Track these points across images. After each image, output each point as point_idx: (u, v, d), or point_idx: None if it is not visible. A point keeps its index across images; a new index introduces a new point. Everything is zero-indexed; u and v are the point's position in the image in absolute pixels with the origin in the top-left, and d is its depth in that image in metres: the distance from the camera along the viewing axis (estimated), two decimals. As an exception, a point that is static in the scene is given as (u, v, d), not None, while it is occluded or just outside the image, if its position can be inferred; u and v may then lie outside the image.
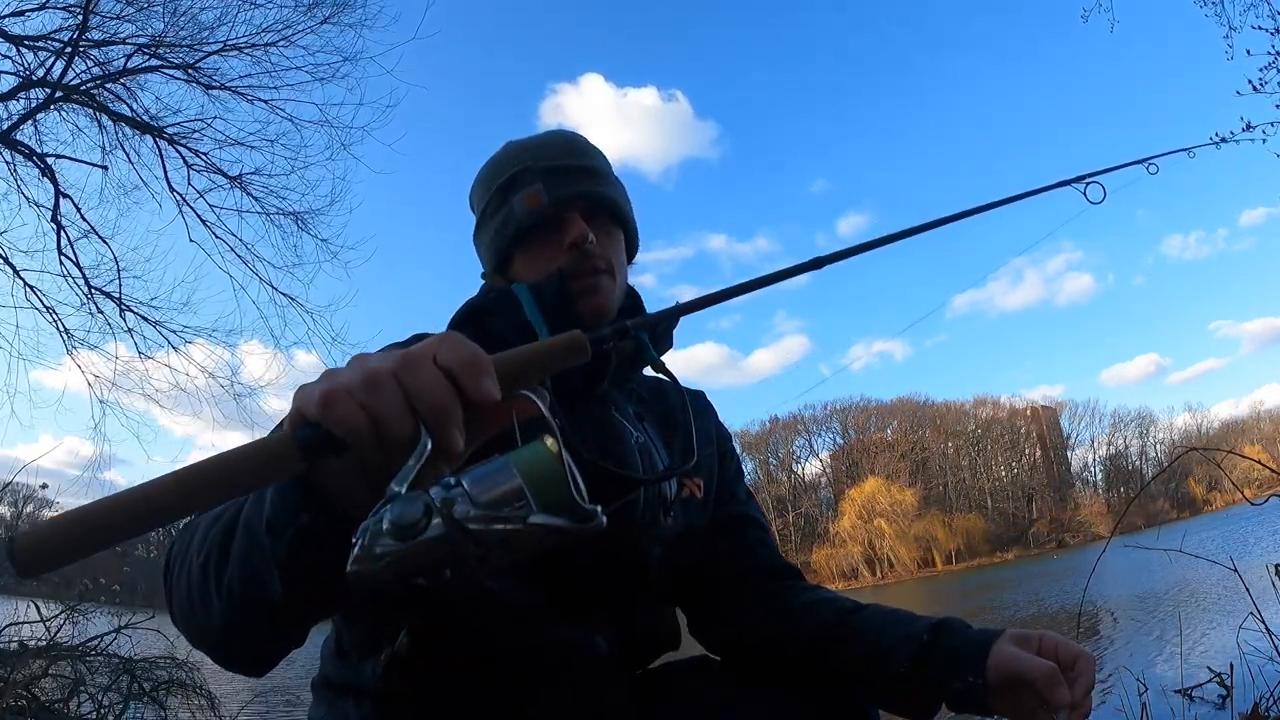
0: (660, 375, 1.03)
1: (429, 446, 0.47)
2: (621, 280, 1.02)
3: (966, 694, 0.83)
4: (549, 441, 0.49)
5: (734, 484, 1.11)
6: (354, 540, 0.43)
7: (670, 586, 1.00)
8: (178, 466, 0.46)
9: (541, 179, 0.98)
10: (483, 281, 1.07)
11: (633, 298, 1.07)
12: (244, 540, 0.59)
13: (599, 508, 0.48)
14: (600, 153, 1.07)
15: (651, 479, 0.93)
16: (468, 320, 1.01)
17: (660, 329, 1.03)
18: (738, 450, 1.21)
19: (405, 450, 0.47)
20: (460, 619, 0.82)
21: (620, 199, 1.03)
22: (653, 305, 1.08)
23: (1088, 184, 0.95)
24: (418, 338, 0.96)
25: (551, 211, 0.97)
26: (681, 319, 1.05)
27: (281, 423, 0.82)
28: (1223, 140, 1.09)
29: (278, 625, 0.61)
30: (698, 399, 1.13)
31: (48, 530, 0.42)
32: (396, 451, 0.47)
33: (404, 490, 0.45)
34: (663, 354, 1.04)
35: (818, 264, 0.72)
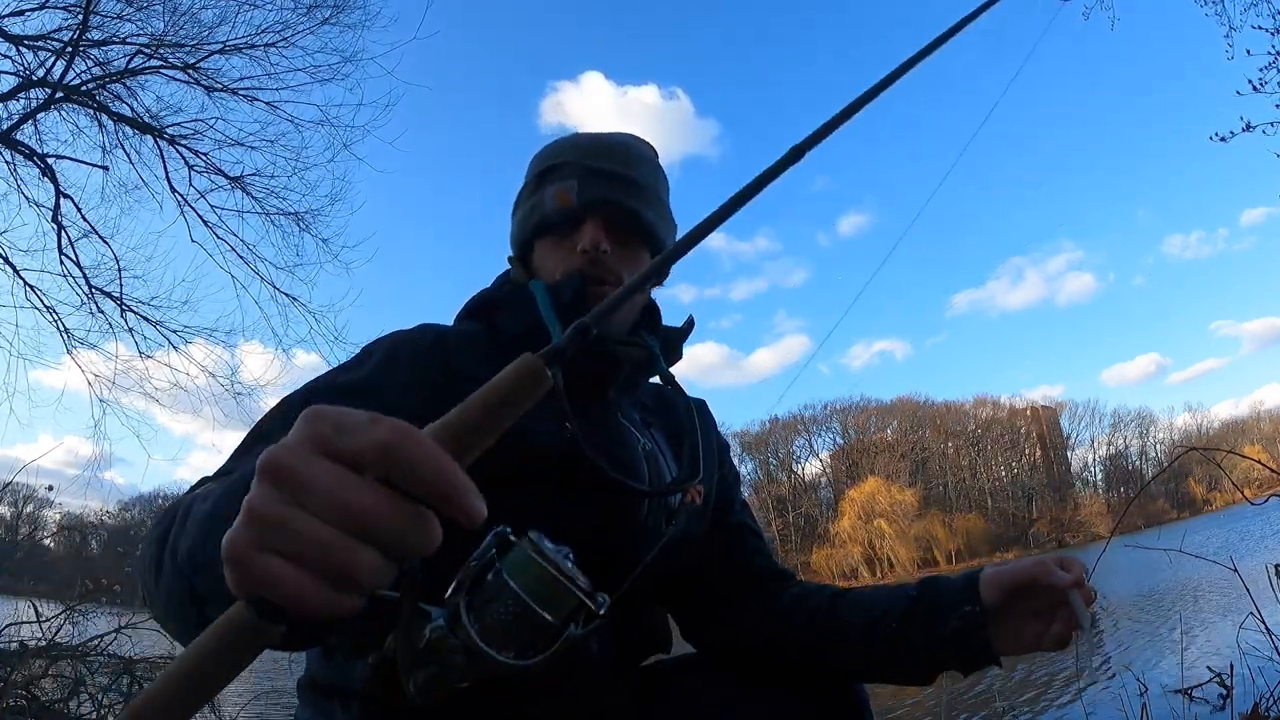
0: (666, 384, 1.03)
1: (418, 576, 0.46)
2: (634, 297, 1.00)
3: (966, 633, 0.82)
4: (527, 543, 0.49)
5: (731, 492, 1.11)
6: (406, 673, 0.49)
7: (660, 589, 1.00)
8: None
9: (578, 177, 0.98)
10: (508, 264, 1.07)
11: (651, 312, 1.06)
12: (172, 566, 0.58)
13: (603, 597, 0.50)
14: (653, 165, 1.06)
15: (658, 491, 0.93)
16: (477, 312, 1.01)
17: (673, 344, 1.04)
18: (738, 451, 1.21)
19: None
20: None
21: (653, 216, 1.01)
22: (665, 316, 1.09)
23: None
24: (424, 329, 0.95)
25: (577, 212, 0.97)
26: (676, 316, 1.07)
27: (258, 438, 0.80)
28: None
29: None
30: (701, 409, 1.13)
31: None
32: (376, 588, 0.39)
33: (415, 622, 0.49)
34: (673, 365, 1.05)
35: (797, 154, 0.66)
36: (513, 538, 0.50)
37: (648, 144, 1.07)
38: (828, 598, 0.97)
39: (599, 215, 0.97)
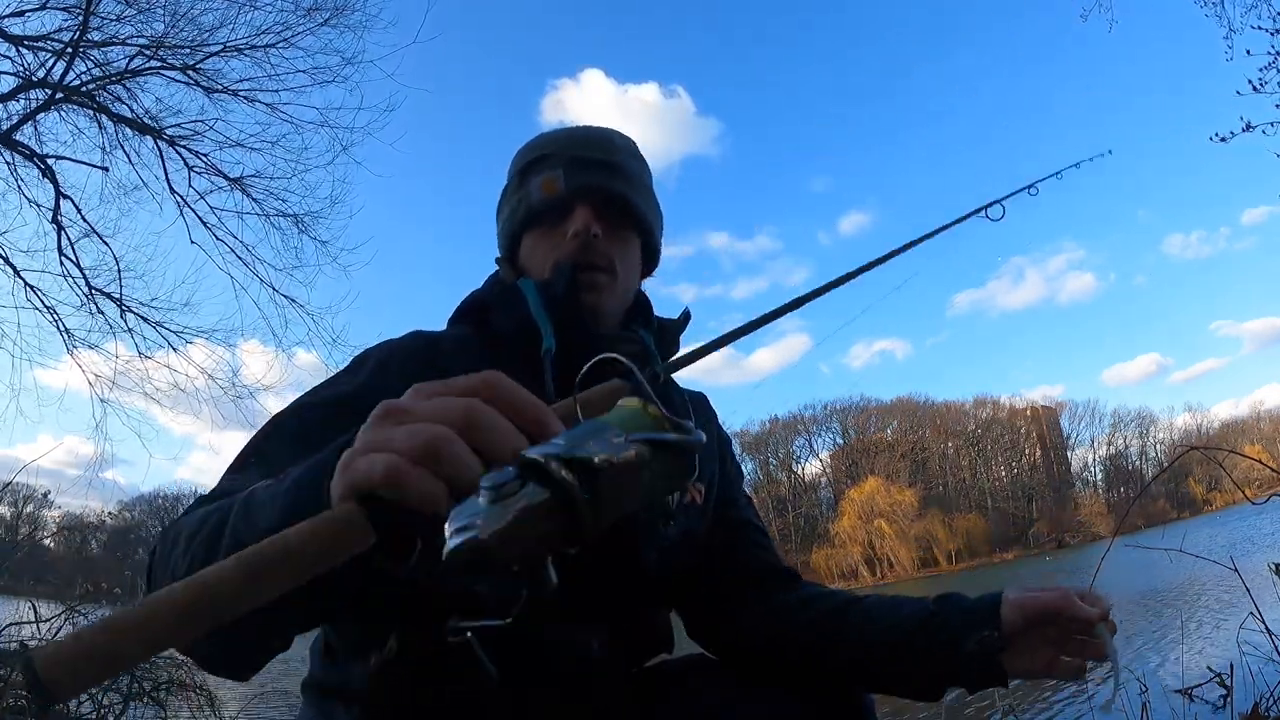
0: (660, 380, 1.03)
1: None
2: (625, 282, 1.01)
3: (981, 656, 0.81)
4: (630, 399, 0.46)
5: (733, 489, 1.10)
6: (446, 524, 0.37)
7: (667, 590, 0.99)
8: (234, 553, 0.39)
9: (563, 166, 0.98)
10: (496, 266, 1.07)
11: (642, 303, 1.06)
12: (231, 541, 0.56)
13: (693, 423, 0.45)
14: (635, 155, 1.06)
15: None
16: (469, 314, 1.01)
17: (670, 338, 1.04)
18: (738, 451, 1.21)
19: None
20: (450, 624, 0.81)
21: (641, 201, 1.02)
22: (653, 303, 1.08)
23: (991, 205, 1.07)
24: (415, 336, 0.96)
25: (564, 199, 0.97)
26: (679, 318, 1.07)
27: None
28: (1066, 169, 1.24)
29: (265, 637, 0.60)
30: (700, 403, 1.13)
31: (73, 649, 0.34)
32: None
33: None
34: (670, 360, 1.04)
35: (797, 303, 0.80)
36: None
37: (628, 137, 1.08)
38: (839, 604, 0.95)
39: (587, 201, 0.97)
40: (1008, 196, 1.09)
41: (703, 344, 0.72)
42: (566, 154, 0.99)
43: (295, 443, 0.75)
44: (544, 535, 0.37)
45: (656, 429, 0.43)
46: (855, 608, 0.94)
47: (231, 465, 0.78)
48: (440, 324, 1.03)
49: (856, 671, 0.92)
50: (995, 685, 0.83)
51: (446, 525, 0.37)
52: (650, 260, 1.08)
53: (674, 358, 0.75)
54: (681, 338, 1.06)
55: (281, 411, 0.84)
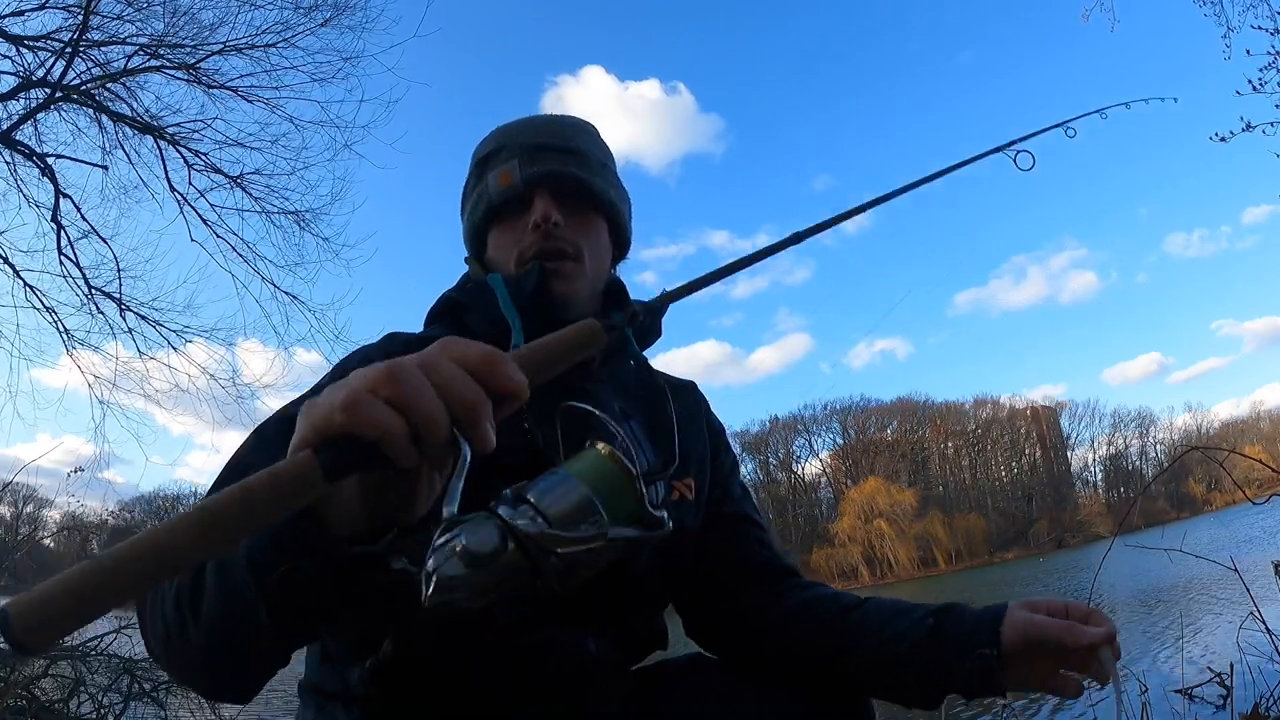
0: (638, 366, 1.02)
1: (468, 455, 0.43)
2: (595, 268, 0.98)
3: (979, 672, 0.81)
4: (600, 447, 0.48)
5: (729, 481, 1.08)
6: (425, 569, 0.41)
7: (663, 589, 0.98)
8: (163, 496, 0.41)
9: (518, 157, 0.97)
10: (474, 263, 1.04)
11: (616, 288, 1.04)
12: (217, 575, 0.56)
13: (665, 514, 0.48)
14: (594, 137, 1.04)
15: None
16: (443, 314, 1.00)
17: (647, 322, 1.01)
18: (737, 451, 1.19)
19: (440, 460, 0.45)
20: (444, 627, 0.80)
21: (602, 184, 0.99)
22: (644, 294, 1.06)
23: (1017, 151, 0.97)
24: (392, 338, 0.94)
25: (522, 190, 0.95)
26: (677, 314, 1.05)
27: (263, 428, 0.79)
28: (1134, 101, 1.11)
29: (263, 657, 0.60)
30: (688, 392, 1.10)
31: (45, 597, 0.35)
32: (433, 457, 0.44)
33: (456, 509, 0.42)
34: (649, 345, 0.99)
35: (797, 238, 0.73)
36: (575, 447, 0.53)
37: (587, 121, 1.06)
38: (841, 608, 0.94)
39: (545, 188, 0.95)
40: (1037, 134, 0.97)
41: (691, 280, 0.70)
42: (520, 144, 0.98)
43: (279, 452, 0.73)
44: (515, 592, 0.42)
45: (630, 497, 0.46)
46: (856, 614, 0.93)
47: (216, 479, 0.76)
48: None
49: (857, 679, 0.92)
50: (993, 695, 0.85)
51: (427, 563, 0.41)
52: (620, 245, 1.05)
53: (658, 296, 0.71)
54: (662, 322, 1.00)
55: (265, 421, 0.82)
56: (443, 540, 0.41)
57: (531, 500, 0.43)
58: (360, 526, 0.49)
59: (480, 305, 0.94)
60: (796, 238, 0.78)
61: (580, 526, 0.44)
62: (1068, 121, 1.02)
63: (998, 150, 0.95)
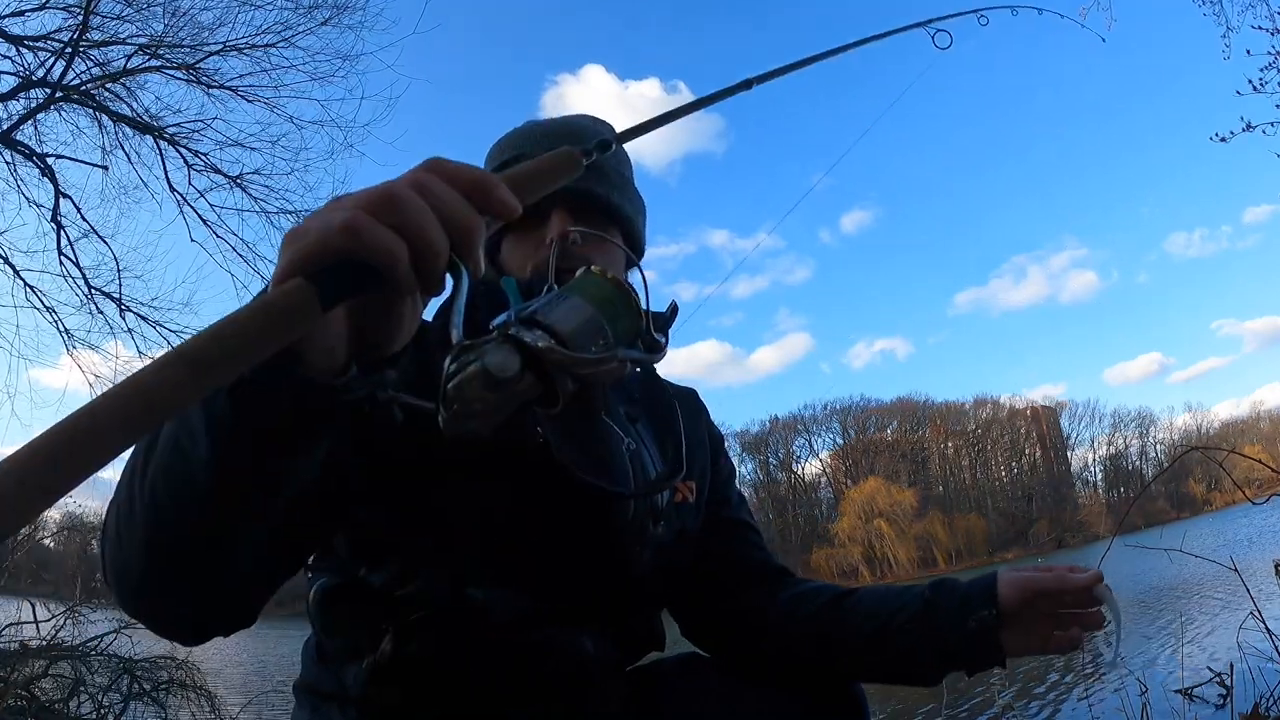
0: (646, 374, 1.03)
1: (468, 278, 0.42)
2: None
3: (979, 635, 0.83)
4: (596, 269, 0.49)
5: (726, 487, 1.10)
6: (443, 392, 0.39)
7: (662, 589, 0.99)
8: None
9: None
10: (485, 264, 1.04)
11: None
12: (170, 441, 0.50)
13: (664, 338, 0.51)
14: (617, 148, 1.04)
15: (638, 493, 0.90)
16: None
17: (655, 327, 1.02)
18: (737, 451, 1.20)
19: (436, 285, 0.42)
20: (443, 627, 0.80)
21: (619, 198, 0.98)
22: (653, 303, 1.07)
23: (936, 30, 1.00)
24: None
25: (540, 203, 0.95)
26: (680, 315, 1.05)
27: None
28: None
29: (208, 527, 0.53)
30: (690, 399, 1.11)
31: (12, 465, 0.29)
32: (429, 280, 0.42)
33: (461, 331, 0.42)
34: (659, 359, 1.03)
35: (747, 85, 0.74)
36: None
37: (605, 123, 1.03)
38: (832, 597, 0.96)
39: (564, 205, 0.93)
40: (952, 16, 1.02)
41: (659, 114, 0.68)
42: (538, 153, 0.96)
43: None
44: (529, 404, 0.42)
45: (633, 318, 0.48)
46: (850, 599, 0.95)
47: None
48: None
49: (857, 662, 0.92)
50: (994, 665, 0.85)
51: (446, 385, 0.39)
52: (634, 250, 1.04)
53: (630, 127, 0.69)
54: (670, 331, 1.03)
55: None
56: (457, 364, 0.40)
57: (541, 320, 0.42)
58: (341, 359, 0.46)
59: (489, 306, 0.91)
60: (746, 84, 0.78)
61: (591, 347, 0.43)
62: (980, 10, 1.08)
63: (918, 25, 0.99)
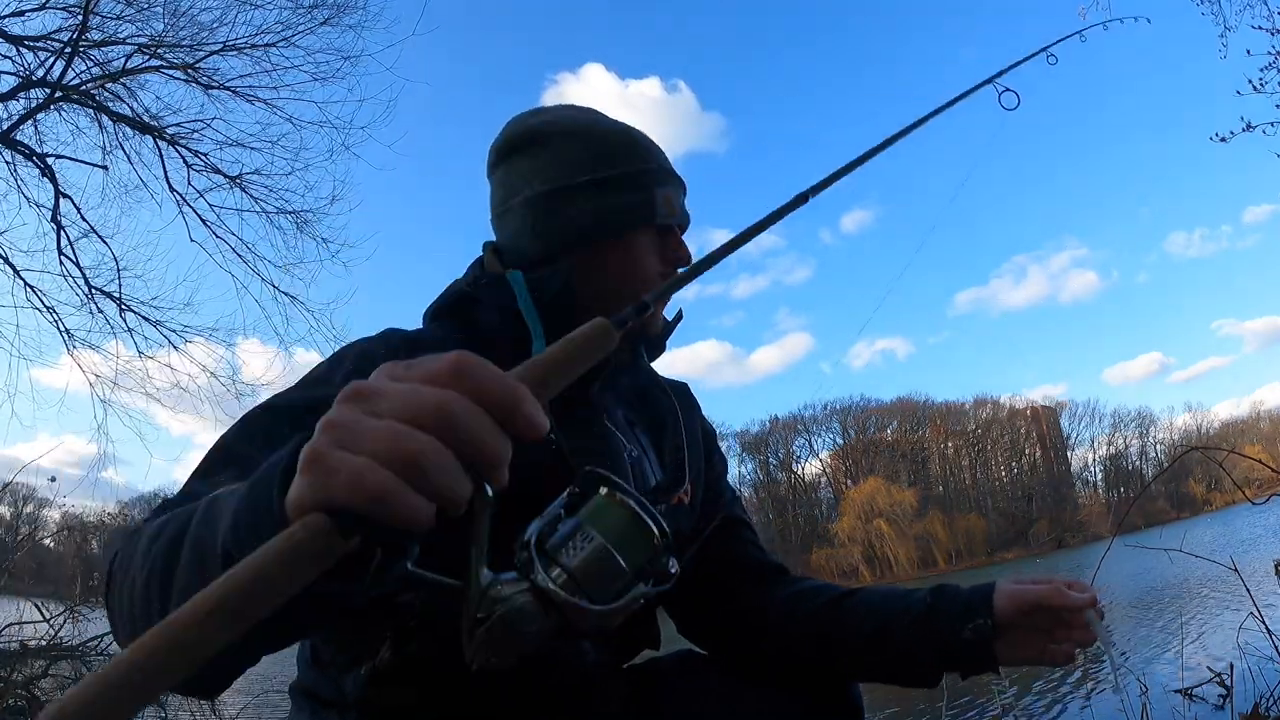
0: (649, 382, 1.02)
1: (490, 496, 0.42)
2: None
3: (975, 644, 0.85)
4: (604, 492, 0.51)
5: (720, 484, 1.09)
6: (473, 638, 0.45)
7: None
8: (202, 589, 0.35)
9: (677, 186, 0.98)
10: (491, 255, 0.97)
11: None
12: (193, 566, 0.51)
13: (674, 562, 0.52)
14: None
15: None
16: (451, 310, 0.94)
17: (657, 340, 1.02)
18: (737, 451, 1.21)
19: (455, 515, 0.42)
20: (442, 635, 0.80)
21: None
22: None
23: (1004, 90, 0.94)
24: (389, 335, 0.89)
25: (679, 222, 0.97)
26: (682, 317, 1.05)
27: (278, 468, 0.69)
28: (1112, 21, 1.09)
29: (236, 662, 0.56)
30: (683, 395, 1.10)
31: (73, 704, 0.32)
32: (451, 516, 0.41)
33: (485, 564, 0.45)
34: (656, 359, 1.03)
35: (803, 199, 0.72)
36: (588, 489, 0.53)
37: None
38: (832, 598, 0.96)
39: (683, 228, 0.99)
40: (1018, 64, 0.95)
41: (693, 264, 0.67)
42: (670, 170, 0.98)
43: (265, 445, 0.70)
44: (553, 639, 0.47)
45: (645, 548, 0.50)
46: (850, 600, 0.95)
47: (198, 468, 0.72)
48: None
49: (856, 662, 0.93)
50: (988, 671, 0.88)
51: (476, 632, 0.45)
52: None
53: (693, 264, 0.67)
54: (669, 339, 1.03)
55: (251, 410, 0.79)
56: (482, 612, 0.44)
57: (559, 560, 0.47)
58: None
59: (495, 302, 0.89)
60: (802, 198, 0.74)
61: (605, 584, 0.47)
62: (1048, 47, 1.02)
63: (984, 84, 0.92)
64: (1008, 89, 0.93)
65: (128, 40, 7.25)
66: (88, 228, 7.51)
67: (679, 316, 1.04)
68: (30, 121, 7.15)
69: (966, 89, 0.88)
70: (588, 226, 0.91)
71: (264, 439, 0.73)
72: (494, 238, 1.00)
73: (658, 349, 1.02)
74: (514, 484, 0.80)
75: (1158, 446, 63.96)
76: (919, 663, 0.89)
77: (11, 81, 7.04)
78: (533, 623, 0.44)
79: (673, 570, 0.53)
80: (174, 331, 7.78)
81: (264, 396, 0.82)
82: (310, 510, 0.38)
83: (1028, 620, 0.84)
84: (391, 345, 0.86)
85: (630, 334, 0.93)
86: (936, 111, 0.86)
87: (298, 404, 0.77)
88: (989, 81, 0.92)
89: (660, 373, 1.09)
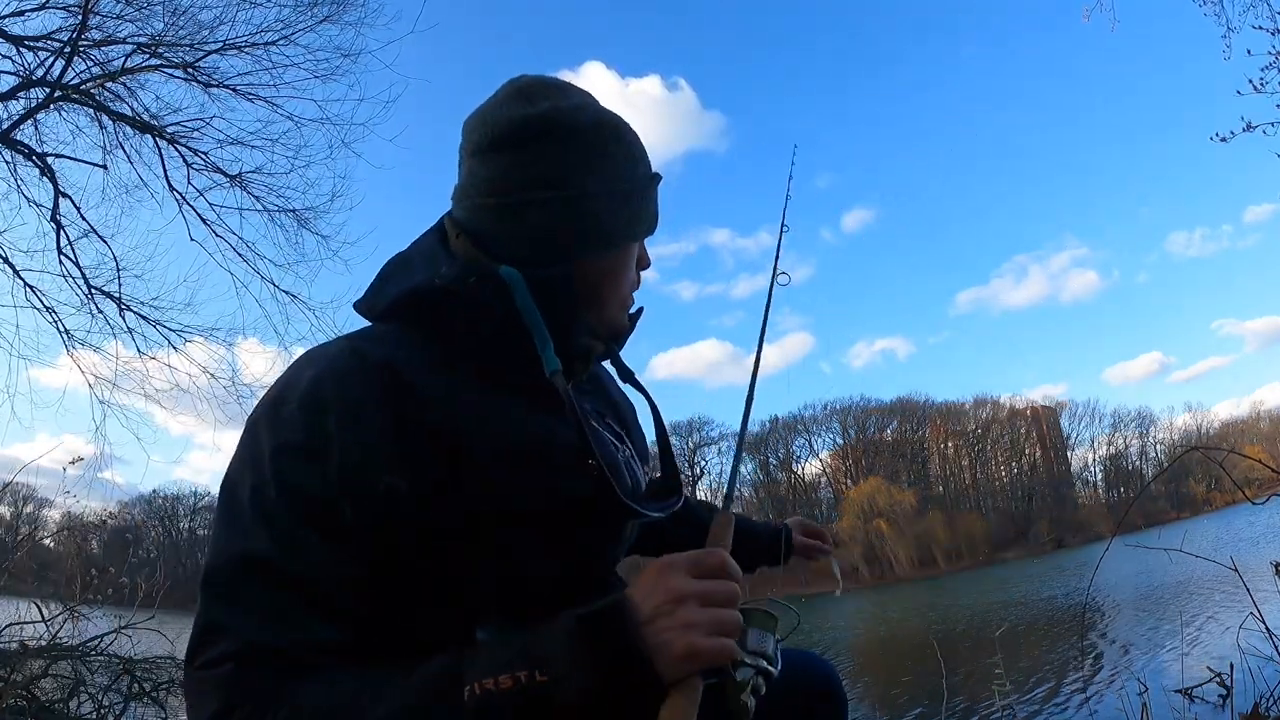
0: (624, 378, 1.01)
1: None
2: None
3: (774, 546, 1.36)
4: (771, 613, 0.81)
5: (669, 461, 1.08)
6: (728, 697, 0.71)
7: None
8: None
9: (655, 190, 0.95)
10: (467, 244, 0.85)
11: None
12: None
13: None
14: None
15: (661, 516, 0.89)
16: (418, 309, 0.81)
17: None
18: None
19: None
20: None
21: None
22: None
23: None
24: (365, 369, 0.76)
25: (636, 228, 0.92)
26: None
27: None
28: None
29: None
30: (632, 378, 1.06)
31: None
32: None
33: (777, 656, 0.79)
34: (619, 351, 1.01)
35: None
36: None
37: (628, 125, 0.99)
38: (698, 521, 1.07)
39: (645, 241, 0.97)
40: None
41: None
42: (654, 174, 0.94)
43: (309, 562, 0.67)
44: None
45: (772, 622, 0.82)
46: (707, 514, 1.12)
47: (228, 571, 0.67)
48: None
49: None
50: (777, 564, 1.37)
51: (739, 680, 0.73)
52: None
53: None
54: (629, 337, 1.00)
55: (266, 497, 0.69)
56: (743, 682, 0.73)
57: (770, 660, 0.79)
58: None
59: (486, 302, 0.79)
60: None
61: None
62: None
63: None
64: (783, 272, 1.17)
65: (127, 40, 7.25)
66: (88, 227, 7.50)
67: (639, 311, 0.99)
68: (30, 121, 7.14)
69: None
70: (614, 236, 0.87)
71: (304, 551, 0.68)
72: (454, 211, 0.89)
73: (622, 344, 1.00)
74: (559, 511, 0.79)
75: (1158, 446, 64.04)
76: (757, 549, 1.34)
77: (11, 81, 7.04)
78: (760, 692, 0.76)
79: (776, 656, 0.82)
80: (174, 331, 7.77)
81: (262, 396, 0.79)
82: (688, 675, 0.64)
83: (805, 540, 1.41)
84: (373, 389, 0.73)
85: (619, 338, 0.96)
86: None
87: (315, 496, 0.69)
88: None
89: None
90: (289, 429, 0.71)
